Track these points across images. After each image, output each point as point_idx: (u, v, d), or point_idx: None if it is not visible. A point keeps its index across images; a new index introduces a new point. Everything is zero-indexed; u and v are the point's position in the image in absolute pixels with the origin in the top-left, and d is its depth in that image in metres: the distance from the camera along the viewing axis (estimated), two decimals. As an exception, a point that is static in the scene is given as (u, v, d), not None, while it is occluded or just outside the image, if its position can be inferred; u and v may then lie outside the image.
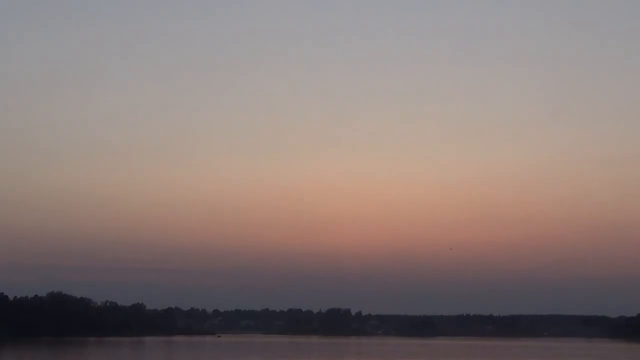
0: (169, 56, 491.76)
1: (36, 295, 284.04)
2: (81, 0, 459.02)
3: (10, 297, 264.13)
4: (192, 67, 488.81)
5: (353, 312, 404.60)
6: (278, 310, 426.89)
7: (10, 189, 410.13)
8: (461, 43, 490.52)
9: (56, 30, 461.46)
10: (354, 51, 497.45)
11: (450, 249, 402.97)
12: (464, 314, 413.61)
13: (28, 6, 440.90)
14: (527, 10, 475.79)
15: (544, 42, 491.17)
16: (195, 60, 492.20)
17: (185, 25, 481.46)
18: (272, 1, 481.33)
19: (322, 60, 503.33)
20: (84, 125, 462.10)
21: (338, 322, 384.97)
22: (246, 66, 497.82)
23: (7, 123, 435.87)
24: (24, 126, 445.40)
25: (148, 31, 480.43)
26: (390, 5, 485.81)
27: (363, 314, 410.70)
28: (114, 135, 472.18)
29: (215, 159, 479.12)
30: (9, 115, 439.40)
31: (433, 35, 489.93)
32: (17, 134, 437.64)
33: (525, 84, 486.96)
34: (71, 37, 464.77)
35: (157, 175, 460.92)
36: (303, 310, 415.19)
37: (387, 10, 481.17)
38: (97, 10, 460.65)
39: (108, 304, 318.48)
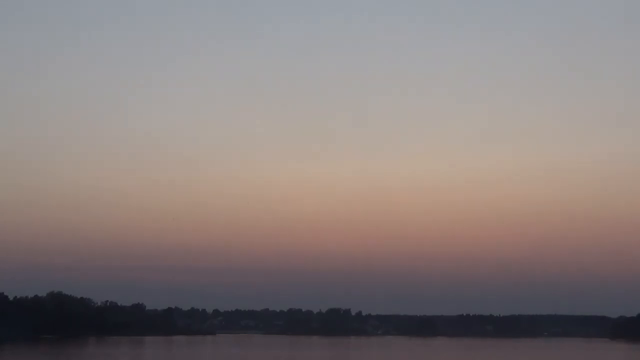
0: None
1: (36, 295, 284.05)
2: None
3: (10, 297, 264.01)
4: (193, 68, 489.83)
5: (353, 312, 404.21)
6: (278, 310, 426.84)
7: (10, 189, 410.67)
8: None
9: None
10: (375, 45, 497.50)
11: None
12: (464, 314, 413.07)
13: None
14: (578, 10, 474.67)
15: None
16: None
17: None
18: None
19: (334, 61, 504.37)
20: (85, 125, 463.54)
21: (338, 322, 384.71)
22: (252, 65, 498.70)
23: (8, 124, 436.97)
24: (23, 127, 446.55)
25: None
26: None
27: (363, 314, 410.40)
28: (114, 136, 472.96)
29: (215, 159, 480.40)
30: (10, 117, 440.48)
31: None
32: (17, 135, 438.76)
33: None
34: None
35: (158, 176, 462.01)
36: (303, 310, 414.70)
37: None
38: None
39: (108, 304, 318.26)
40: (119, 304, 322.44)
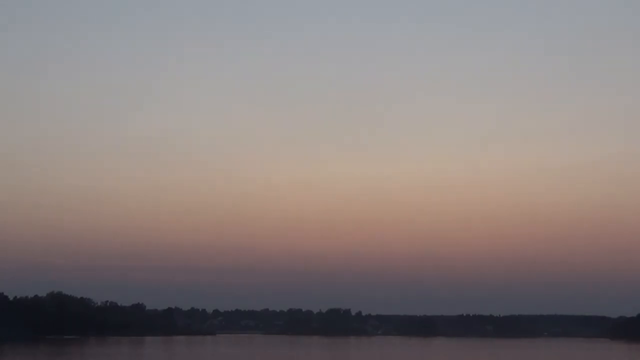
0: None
1: (36, 295, 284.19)
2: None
3: (10, 297, 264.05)
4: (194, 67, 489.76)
5: (353, 312, 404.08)
6: (278, 310, 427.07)
7: (10, 189, 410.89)
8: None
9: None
10: (380, 49, 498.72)
11: None
12: (464, 314, 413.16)
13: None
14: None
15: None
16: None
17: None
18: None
19: (336, 63, 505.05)
20: (85, 126, 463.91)
21: (338, 322, 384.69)
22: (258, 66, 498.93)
23: (8, 125, 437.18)
24: (23, 128, 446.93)
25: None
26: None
27: (363, 314, 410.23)
28: (114, 137, 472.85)
29: (216, 159, 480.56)
30: (10, 118, 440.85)
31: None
32: (17, 135, 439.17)
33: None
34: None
35: (158, 176, 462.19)
36: (303, 310, 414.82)
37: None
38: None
39: (108, 304, 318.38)
40: (119, 304, 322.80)
